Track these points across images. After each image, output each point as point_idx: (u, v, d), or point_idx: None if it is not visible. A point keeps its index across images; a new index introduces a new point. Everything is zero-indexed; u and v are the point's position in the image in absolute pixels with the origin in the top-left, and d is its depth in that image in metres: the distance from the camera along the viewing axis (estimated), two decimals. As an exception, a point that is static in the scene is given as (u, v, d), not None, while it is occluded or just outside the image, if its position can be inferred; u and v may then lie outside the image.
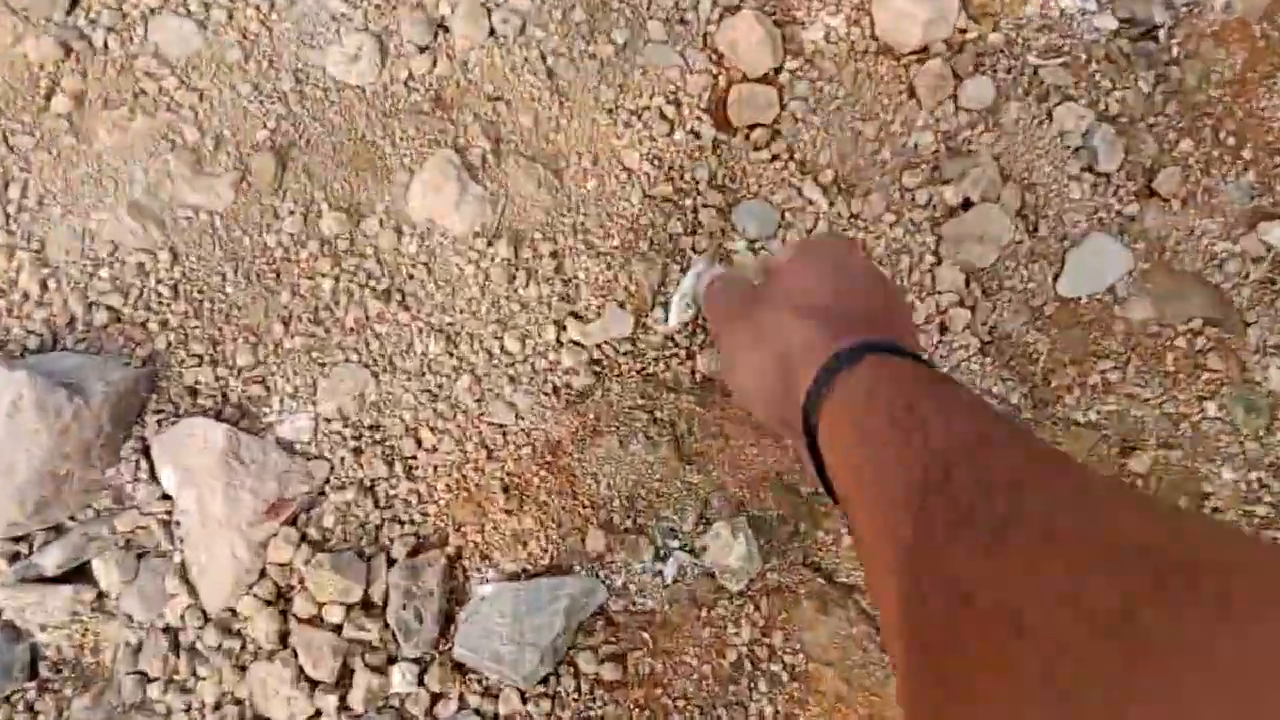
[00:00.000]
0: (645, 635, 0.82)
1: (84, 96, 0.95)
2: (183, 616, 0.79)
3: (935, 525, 0.27)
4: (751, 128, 1.01)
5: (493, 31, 0.99)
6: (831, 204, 0.98)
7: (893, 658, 0.30)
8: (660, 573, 0.84)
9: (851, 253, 0.49)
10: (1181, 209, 1.04)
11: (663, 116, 0.99)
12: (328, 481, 0.85)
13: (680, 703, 0.82)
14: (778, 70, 1.03)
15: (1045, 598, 0.23)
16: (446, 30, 0.99)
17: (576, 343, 0.91)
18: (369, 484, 0.86)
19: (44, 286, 0.88)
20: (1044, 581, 0.23)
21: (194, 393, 0.87)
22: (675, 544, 0.85)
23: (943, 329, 0.96)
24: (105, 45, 0.96)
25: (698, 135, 0.99)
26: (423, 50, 0.98)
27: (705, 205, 0.97)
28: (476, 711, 0.79)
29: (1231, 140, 1.06)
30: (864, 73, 1.04)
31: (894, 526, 0.29)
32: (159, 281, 0.90)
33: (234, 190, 0.93)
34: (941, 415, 0.30)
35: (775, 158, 1.00)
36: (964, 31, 1.08)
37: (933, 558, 0.27)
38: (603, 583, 0.83)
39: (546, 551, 0.84)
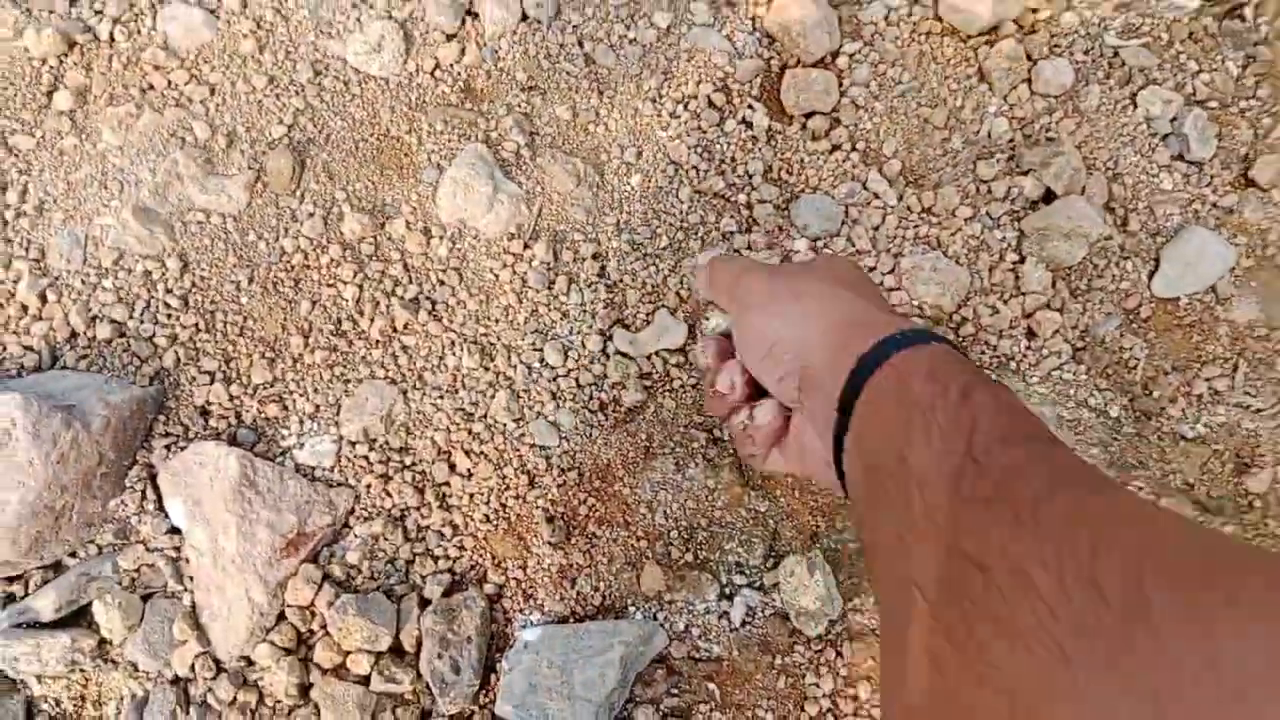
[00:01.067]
0: (711, 686, 0.72)
1: (88, 92, 0.88)
2: (193, 666, 0.71)
3: (969, 496, 0.30)
4: (808, 116, 0.92)
5: (525, 16, 0.91)
6: (900, 198, 0.89)
7: (879, 598, 0.34)
8: (726, 614, 0.74)
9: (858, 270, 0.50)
10: (1286, 199, 0.94)
11: (711, 105, 0.91)
12: (352, 512, 0.76)
13: (749, 759, 0.72)
14: (835, 54, 0.94)
15: (1062, 566, 0.25)
16: (475, 16, 0.91)
17: (624, 354, 0.82)
18: (398, 514, 0.77)
19: (43, 298, 0.81)
20: (1064, 553, 0.25)
21: (205, 414, 0.79)
22: (742, 581, 0.76)
23: (1030, 334, 0.86)
24: (111, 37, 0.89)
25: (750, 125, 0.91)
26: (450, 38, 0.91)
27: (760, 201, 0.89)
28: (521, 771, 0.69)
29: (1338, 122, 0.96)
30: (929, 55, 0.95)
31: (923, 491, 0.32)
32: (167, 291, 0.82)
33: (248, 191, 0.85)
34: (992, 407, 0.34)
35: (836, 148, 0.91)
36: (1035, 10, 0.99)
37: (963, 524, 0.30)
38: (662, 626, 0.73)
39: (598, 590, 0.74)
